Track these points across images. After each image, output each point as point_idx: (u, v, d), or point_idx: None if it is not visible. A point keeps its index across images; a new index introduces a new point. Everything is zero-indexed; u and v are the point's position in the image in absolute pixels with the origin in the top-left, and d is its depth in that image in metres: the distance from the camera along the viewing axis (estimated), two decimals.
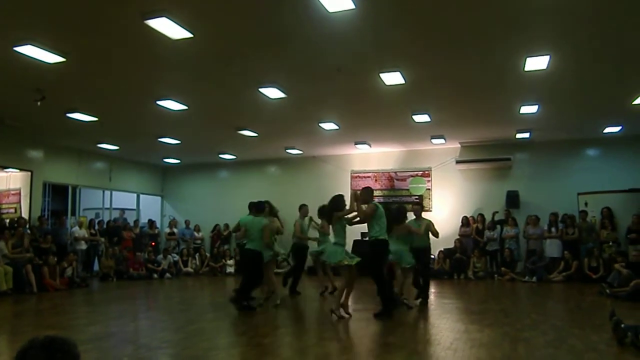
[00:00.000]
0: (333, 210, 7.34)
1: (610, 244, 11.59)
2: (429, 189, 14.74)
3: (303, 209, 9.63)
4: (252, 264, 7.82)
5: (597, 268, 11.35)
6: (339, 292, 7.21)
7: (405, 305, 7.75)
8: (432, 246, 8.76)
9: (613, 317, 5.41)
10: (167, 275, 13.92)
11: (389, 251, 7.29)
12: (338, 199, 7.41)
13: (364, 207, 7.25)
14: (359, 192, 7.50)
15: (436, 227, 8.47)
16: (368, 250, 7.18)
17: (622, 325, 5.11)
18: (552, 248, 12.41)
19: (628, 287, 8.63)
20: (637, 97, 9.51)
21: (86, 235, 13.57)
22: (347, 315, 6.96)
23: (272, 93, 9.12)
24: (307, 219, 9.59)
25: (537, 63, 7.68)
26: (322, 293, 9.42)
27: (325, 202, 7.77)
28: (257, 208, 8.15)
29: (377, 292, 7.10)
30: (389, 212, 7.58)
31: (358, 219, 7.31)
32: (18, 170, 12.83)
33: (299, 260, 9.65)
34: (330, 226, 7.54)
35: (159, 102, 9.71)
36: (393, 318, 6.91)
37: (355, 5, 5.73)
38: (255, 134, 12.67)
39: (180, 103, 9.81)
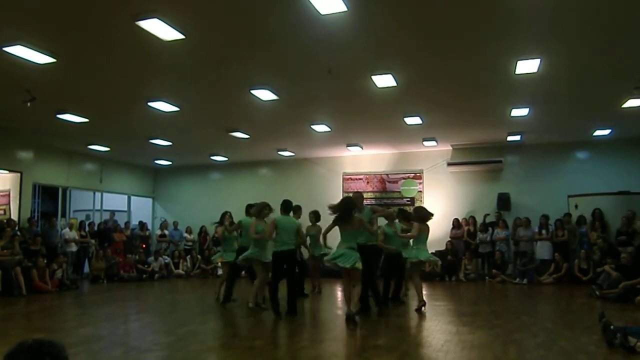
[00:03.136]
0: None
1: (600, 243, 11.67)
2: (420, 191, 14.77)
3: (298, 211, 9.35)
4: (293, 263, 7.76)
5: (587, 270, 11.44)
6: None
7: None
8: None
9: (602, 319, 5.45)
10: (158, 276, 13.86)
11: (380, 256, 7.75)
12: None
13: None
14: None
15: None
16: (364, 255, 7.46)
17: (612, 327, 5.14)
18: (542, 250, 12.49)
19: (617, 289, 8.71)
20: (627, 100, 9.59)
21: (76, 237, 13.46)
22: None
23: (264, 95, 9.10)
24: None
25: (528, 66, 7.72)
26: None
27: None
28: (287, 207, 7.67)
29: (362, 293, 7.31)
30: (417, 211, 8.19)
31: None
32: (7, 172, 12.71)
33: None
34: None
35: (150, 104, 9.66)
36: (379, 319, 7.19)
37: (347, 8, 5.73)
38: (247, 136, 12.65)
39: (172, 104, 9.76)
